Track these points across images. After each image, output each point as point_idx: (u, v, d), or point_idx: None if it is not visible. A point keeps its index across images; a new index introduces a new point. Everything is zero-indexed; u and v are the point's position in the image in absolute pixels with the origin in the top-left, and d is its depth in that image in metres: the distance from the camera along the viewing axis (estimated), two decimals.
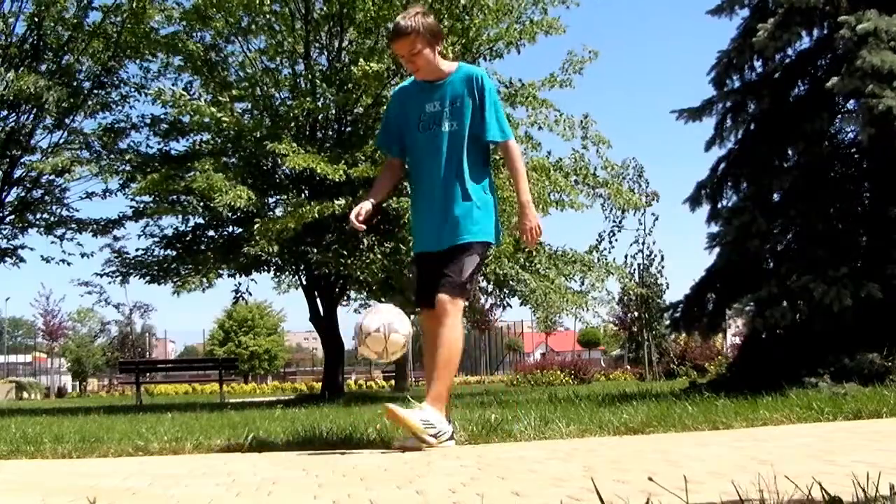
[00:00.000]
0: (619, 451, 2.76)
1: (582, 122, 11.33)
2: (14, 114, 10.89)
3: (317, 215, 9.15)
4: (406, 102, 3.21)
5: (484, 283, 11.82)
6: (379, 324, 2.99)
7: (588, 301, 11.60)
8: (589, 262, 11.64)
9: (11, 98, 9.91)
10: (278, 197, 11.31)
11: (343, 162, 9.48)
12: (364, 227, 3.17)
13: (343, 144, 10.41)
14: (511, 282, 10.77)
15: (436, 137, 3.09)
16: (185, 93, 10.17)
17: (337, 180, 9.32)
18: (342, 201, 9.37)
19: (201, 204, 11.07)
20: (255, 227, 9.66)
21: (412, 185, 3.36)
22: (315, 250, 9.98)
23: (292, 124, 10.18)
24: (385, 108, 3.36)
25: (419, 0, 9.17)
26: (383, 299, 16.13)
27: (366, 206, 3.19)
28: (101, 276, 12.06)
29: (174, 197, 10.64)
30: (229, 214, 11.31)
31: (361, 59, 9.53)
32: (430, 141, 3.11)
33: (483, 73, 3.20)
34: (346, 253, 10.08)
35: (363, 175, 9.33)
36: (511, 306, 11.98)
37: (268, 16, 10.51)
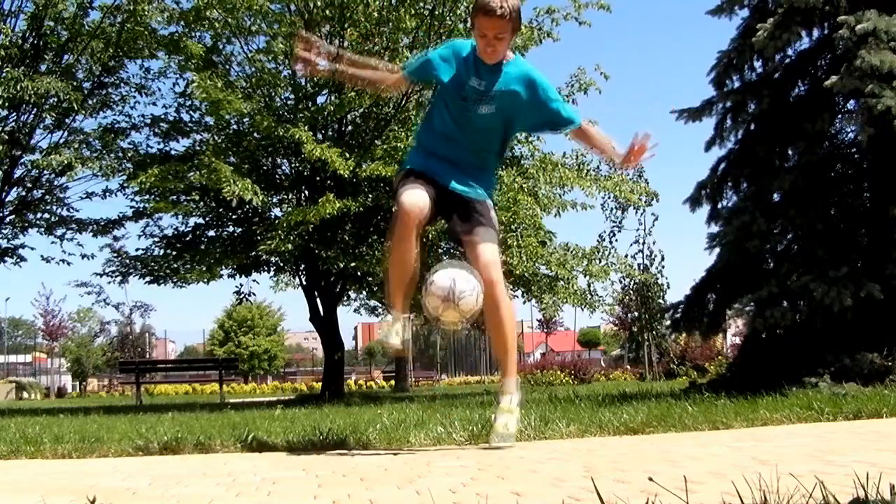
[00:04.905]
0: (619, 451, 2.76)
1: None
2: (14, 114, 10.89)
3: (334, 212, 9.19)
4: (454, 60, 3.11)
5: None
6: (473, 290, 2.85)
7: (594, 300, 11.66)
8: (591, 254, 11.64)
9: (19, 99, 9.91)
10: (278, 197, 11.32)
11: (351, 160, 9.53)
12: (308, 59, 3.07)
13: (347, 145, 10.43)
14: (526, 275, 10.78)
15: (470, 112, 3.06)
16: (219, 80, 10.16)
17: (345, 176, 9.37)
18: (361, 199, 9.52)
19: (202, 202, 11.09)
20: (278, 220, 9.73)
21: (431, 131, 3.22)
22: (320, 249, 10.01)
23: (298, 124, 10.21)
24: (440, 49, 3.21)
25: None
26: (384, 300, 16.18)
27: (327, 48, 3.15)
28: (101, 275, 12.09)
29: (174, 197, 10.65)
30: (231, 214, 11.32)
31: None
32: (463, 113, 3.07)
33: (538, 73, 3.15)
34: (354, 250, 10.14)
35: (373, 173, 9.39)
36: (516, 296, 11.91)
37: (269, 17, 10.50)
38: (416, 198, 2.93)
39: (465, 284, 2.85)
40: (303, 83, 10.90)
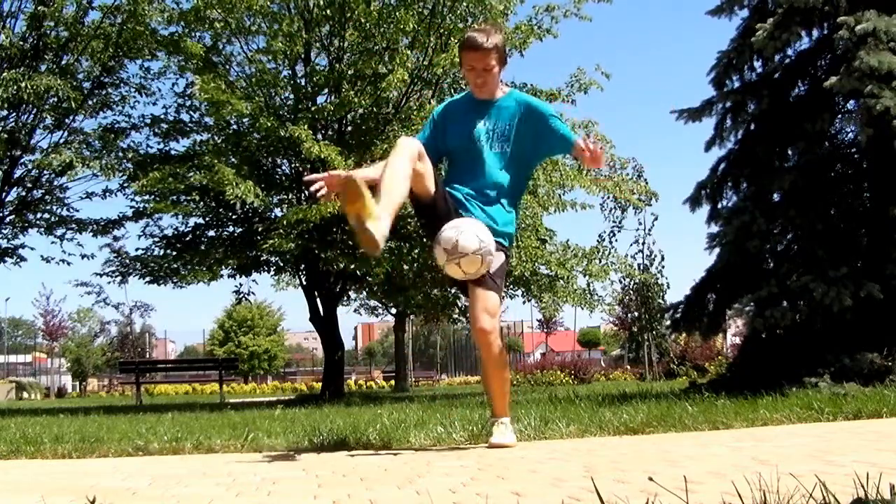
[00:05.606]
0: (619, 451, 2.76)
1: (584, 122, 11.44)
2: (14, 114, 10.88)
3: (336, 210, 9.19)
4: (453, 117, 3.22)
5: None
6: (479, 244, 2.83)
7: (594, 299, 11.66)
8: (591, 254, 11.63)
9: (18, 99, 9.91)
10: (279, 197, 11.33)
11: (351, 158, 9.53)
12: (319, 189, 2.92)
13: (345, 145, 10.43)
14: (526, 275, 10.76)
15: (481, 155, 3.12)
16: (220, 80, 10.15)
17: None
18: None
19: (202, 202, 11.09)
20: (279, 218, 9.74)
21: (451, 186, 3.21)
22: (320, 249, 10.01)
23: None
24: (428, 122, 3.33)
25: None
26: (384, 299, 16.21)
27: (352, 176, 2.97)
28: (101, 275, 12.09)
29: (174, 197, 10.64)
30: (230, 214, 11.32)
31: (397, 70, 9.55)
32: (474, 158, 3.13)
33: (536, 100, 3.29)
34: (354, 251, 10.14)
35: None
36: (516, 296, 11.92)
37: (267, 17, 10.50)
38: (415, 140, 2.95)
39: (453, 233, 2.84)
40: (302, 83, 10.90)
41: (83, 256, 12.53)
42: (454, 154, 3.24)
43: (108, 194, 12.06)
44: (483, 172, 3.12)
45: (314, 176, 2.96)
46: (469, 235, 2.84)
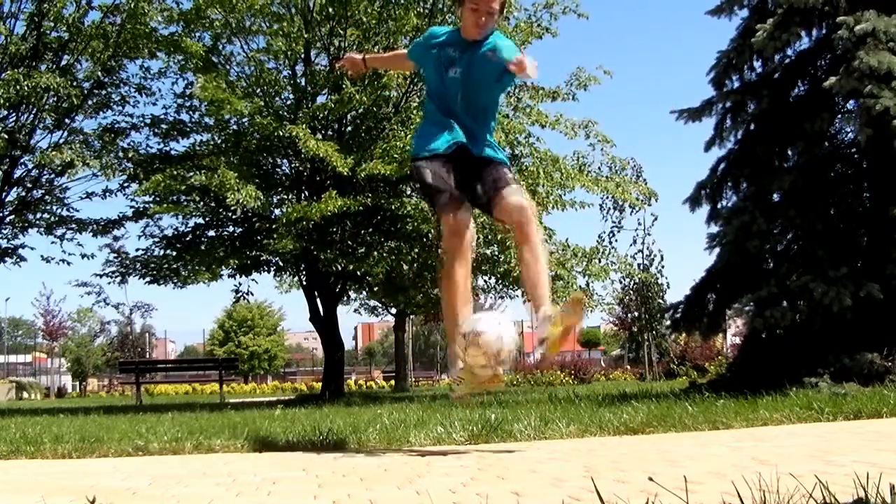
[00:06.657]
0: (619, 451, 2.76)
1: (583, 122, 11.45)
2: (14, 114, 10.88)
3: (336, 210, 9.19)
4: (442, 42, 3.31)
5: (490, 279, 11.82)
6: (496, 332, 2.81)
7: (592, 300, 11.68)
8: (591, 254, 11.64)
9: (18, 98, 9.91)
10: (279, 197, 11.33)
11: (351, 157, 9.53)
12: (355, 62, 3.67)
13: (346, 145, 10.44)
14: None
15: (462, 87, 3.20)
16: (221, 81, 10.17)
17: (344, 174, 9.38)
18: (360, 198, 9.54)
19: (202, 202, 11.09)
20: (279, 217, 9.79)
21: (430, 110, 3.39)
22: (319, 250, 10.02)
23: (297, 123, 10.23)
24: (429, 31, 3.53)
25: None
26: (384, 299, 16.21)
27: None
28: (101, 276, 12.08)
29: (174, 197, 10.64)
30: (231, 214, 11.33)
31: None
32: (457, 90, 3.21)
33: (501, 39, 3.32)
34: (353, 251, 10.14)
35: (372, 171, 9.38)
36: (516, 296, 11.91)
37: (268, 17, 10.50)
38: (460, 214, 3.05)
39: (484, 325, 2.82)
40: (302, 83, 10.91)
41: (83, 256, 12.53)
42: (437, 83, 3.31)
43: (108, 194, 12.06)
44: (467, 103, 3.20)
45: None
46: (494, 339, 2.78)
